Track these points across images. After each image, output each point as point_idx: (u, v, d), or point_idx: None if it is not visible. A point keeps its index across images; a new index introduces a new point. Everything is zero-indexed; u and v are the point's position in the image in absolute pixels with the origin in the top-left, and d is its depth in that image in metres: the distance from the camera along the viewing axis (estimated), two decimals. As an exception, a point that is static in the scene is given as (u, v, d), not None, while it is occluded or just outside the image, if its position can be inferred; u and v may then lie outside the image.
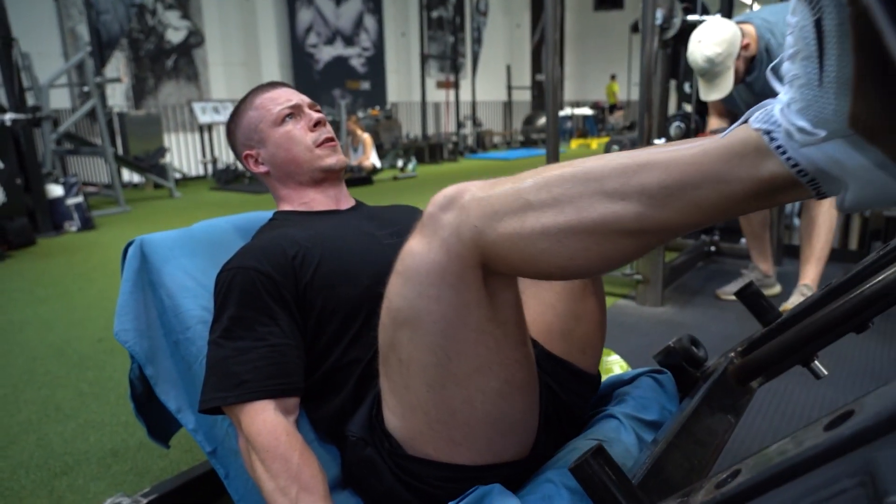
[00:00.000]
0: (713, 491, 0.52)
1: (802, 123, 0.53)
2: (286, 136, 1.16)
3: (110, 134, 6.56)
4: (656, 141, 3.04)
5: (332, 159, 1.18)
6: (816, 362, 1.06)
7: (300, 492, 0.87)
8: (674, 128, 3.73)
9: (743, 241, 3.45)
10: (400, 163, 9.01)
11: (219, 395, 0.94)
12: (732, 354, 1.14)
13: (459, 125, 11.89)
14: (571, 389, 1.01)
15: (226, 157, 9.04)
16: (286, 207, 1.20)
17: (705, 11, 3.22)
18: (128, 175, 7.52)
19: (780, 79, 0.57)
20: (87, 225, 5.04)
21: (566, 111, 12.97)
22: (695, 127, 3.64)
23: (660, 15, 3.02)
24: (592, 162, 0.64)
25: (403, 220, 1.20)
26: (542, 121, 13.40)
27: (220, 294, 1.01)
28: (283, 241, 1.05)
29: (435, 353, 0.74)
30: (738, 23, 2.18)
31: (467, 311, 0.71)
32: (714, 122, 2.50)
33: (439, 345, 0.73)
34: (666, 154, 0.61)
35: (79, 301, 3.07)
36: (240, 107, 1.24)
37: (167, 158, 7.52)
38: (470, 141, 12.11)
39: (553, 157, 2.96)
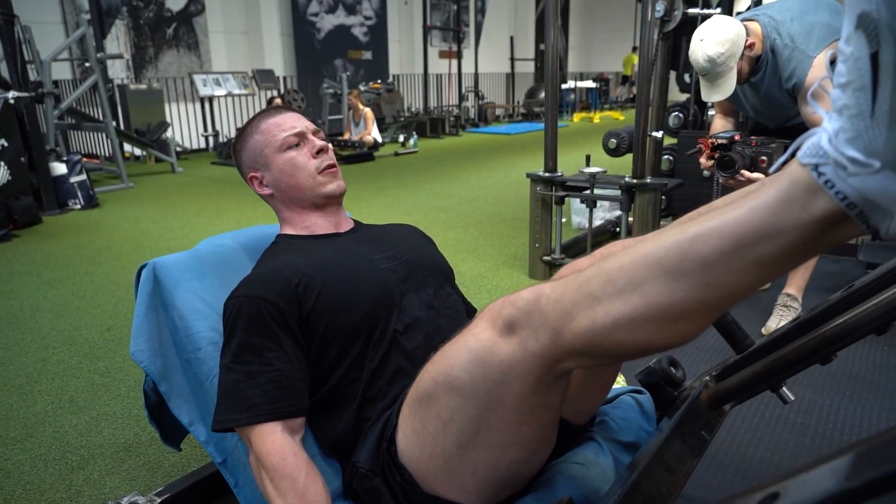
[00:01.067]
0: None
1: (855, 154, 0.52)
2: (290, 162, 1.22)
3: (111, 107, 6.56)
4: (654, 133, 3.08)
5: (333, 185, 1.25)
6: (784, 388, 1.14)
7: None
8: (672, 118, 3.76)
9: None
10: (401, 138, 9.00)
11: (231, 417, 1.03)
12: (707, 378, 1.22)
13: (461, 98, 11.81)
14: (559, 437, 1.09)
15: (226, 130, 9.03)
16: (289, 231, 1.27)
17: (707, 5, 3.22)
18: (129, 146, 7.53)
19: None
20: (90, 203, 5.10)
21: (569, 84, 12.85)
22: (693, 118, 3.67)
23: (661, 7, 3.03)
24: (648, 245, 0.66)
25: (399, 243, 1.27)
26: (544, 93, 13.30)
27: (229, 321, 1.08)
28: (286, 269, 1.11)
29: (479, 423, 0.81)
30: (744, 20, 2.13)
31: (524, 398, 0.77)
32: (718, 122, 2.49)
33: (485, 419, 0.80)
34: (715, 220, 0.61)
35: (87, 286, 3.15)
36: (246, 129, 1.29)
37: (168, 133, 7.52)
38: (472, 114, 12.05)
39: (552, 133, 2.96)
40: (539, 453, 0.90)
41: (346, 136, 8.39)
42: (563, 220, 3.06)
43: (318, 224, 1.27)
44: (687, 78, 3.65)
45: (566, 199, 2.99)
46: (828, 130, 0.55)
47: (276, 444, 1.00)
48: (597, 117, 12.80)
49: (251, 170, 1.28)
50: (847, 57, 0.52)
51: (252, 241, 1.39)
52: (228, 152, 7.89)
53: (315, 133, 1.28)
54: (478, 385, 0.78)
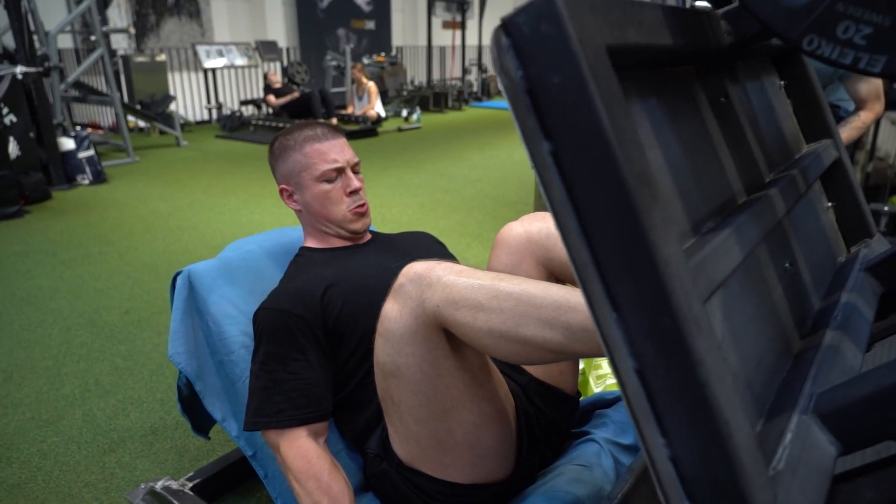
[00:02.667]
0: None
1: None
2: (324, 195, 1.29)
3: (115, 79, 6.56)
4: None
5: (360, 224, 1.33)
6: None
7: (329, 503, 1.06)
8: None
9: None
10: (404, 112, 9.00)
11: (260, 420, 1.13)
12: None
13: (465, 71, 11.75)
14: (556, 407, 1.22)
15: (230, 102, 9.02)
16: (311, 244, 1.35)
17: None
18: (133, 117, 7.55)
19: None
20: (98, 178, 5.16)
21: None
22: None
23: None
24: (538, 290, 0.83)
25: (415, 251, 1.36)
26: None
27: (258, 331, 1.18)
28: (311, 282, 1.21)
29: (417, 396, 0.95)
30: None
31: (437, 362, 0.92)
32: None
33: (420, 390, 0.94)
34: None
35: (102, 267, 3.24)
36: (289, 140, 1.32)
37: (172, 106, 7.53)
38: (475, 88, 12.00)
39: None
40: (490, 417, 1.01)
41: (350, 111, 8.40)
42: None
43: (340, 242, 1.35)
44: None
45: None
46: None
47: (301, 449, 1.11)
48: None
49: (285, 182, 1.34)
50: None
51: (277, 248, 1.48)
52: (233, 125, 7.91)
53: (354, 167, 1.33)
54: (397, 362, 0.93)
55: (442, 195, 4.71)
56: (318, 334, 1.17)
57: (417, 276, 0.89)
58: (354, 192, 1.30)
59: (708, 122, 0.88)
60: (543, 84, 0.48)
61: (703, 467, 0.50)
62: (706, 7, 0.85)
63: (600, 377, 1.68)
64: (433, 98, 10.34)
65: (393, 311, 0.92)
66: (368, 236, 1.40)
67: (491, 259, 1.24)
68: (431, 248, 1.43)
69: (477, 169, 5.68)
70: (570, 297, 0.80)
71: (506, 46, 0.49)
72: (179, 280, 1.35)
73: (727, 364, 0.53)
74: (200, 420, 1.49)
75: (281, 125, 7.66)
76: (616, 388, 1.42)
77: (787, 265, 0.90)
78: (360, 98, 8.35)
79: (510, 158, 6.17)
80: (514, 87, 0.49)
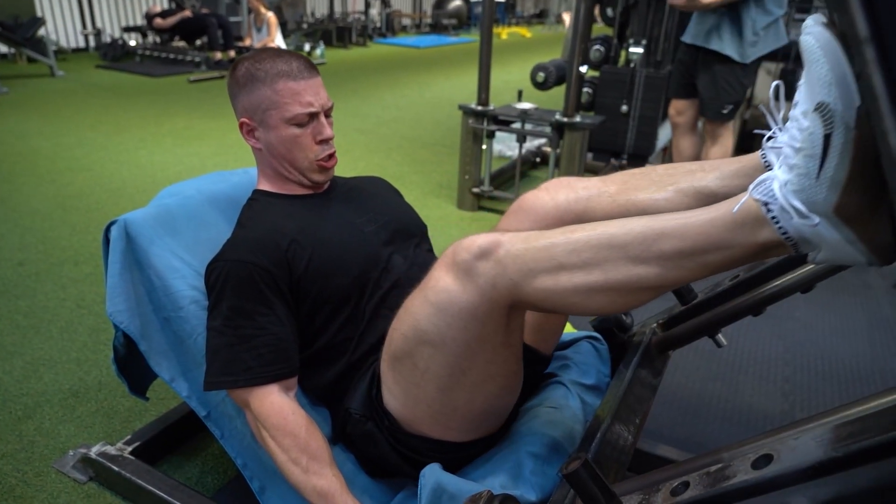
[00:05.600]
0: (669, 498, 0.73)
1: (798, 205, 0.67)
2: (292, 139, 1.16)
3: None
4: (581, 68, 3.16)
5: (324, 176, 1.23)
6: (720, 335, 1.32)
7: (309, 461, 1.03)
8: (593, 51, 3.85)
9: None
10: (307, 47, 8.54)
11: (227, 379, 1.06)
12: (655, 326, 1.37)
13: (367, 5, 11.27)
14: (531, 366, 1.22)
15: (110, 28, 8.15)
16: (267, 188, 1.25)
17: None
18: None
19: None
20: (-39, 111, 4.54)
21: (478, -4, 12.55)
22: (614, 53, 3.78)
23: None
24: (615, 228, 0.77)
25: (377, 204, 1.29)
26: (453, 4, 12.93)
27: (218, 284, 1.08)
28: (275, 234, 1.12)
29: (452, 367, 0.90)
30: None
31: (487, 338, 0.87)
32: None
33: (457, 363, 0.89)
34: (678, 222, 0.74)
35: (-19, 213, 2.88)
36: (258, 70, 1.15)
37: (43, 31, 6.69)
38: (378, 23, 11.56)
39: (485, 66, 2.95)
40: (510, 387, 1.02)
41: (248, 43, 7.84)
42: (483, 147, 3.12)
43: (300, 190, 1.25)
44: (610, 12, 3.72)
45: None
46: (779, 179, 0.70)
47: (276, 405, 1.05)
48: (504, 33, 12.68)
49: (247, 116, 1.18)
50: (803, 129, 0.66)
51: (220, 194, 1.36)
52: (116, 54, 7.18)
53: (328, 114, 1.21)
54: (444, 334, 0.87)
55: (357, 136, 4.56)
56: (284, 288, 1.10)
57: (482, 251, 0.81)
58: (325, 140, 1.19)
59: None
60: None
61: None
62: None
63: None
64: (336, 33, 9.85)
65: (454, 286, 0.83)
66: (328, 184, 1.31)
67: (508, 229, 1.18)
68: (392, 199, 1.37)
69: (390, 109, 5.53)
70: (655, 224, 0.75)
71: None
72: (114, 231, 1.21)
73: None
74: (139, 380, 1.38)
75: (174, 56, 7.04)
76: (573, 330, 1.45)
77: None
78: (259, 30, 7.78)
79: (422, 98, 6.05)
80: None
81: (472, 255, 0.81)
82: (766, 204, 0.69)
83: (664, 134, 3.83)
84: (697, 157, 3.02)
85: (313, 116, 1.16)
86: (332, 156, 1.21)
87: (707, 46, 2.67)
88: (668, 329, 1.34)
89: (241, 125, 1.19)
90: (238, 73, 1.17)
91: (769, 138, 0.83)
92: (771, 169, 0.72)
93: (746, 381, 1.86)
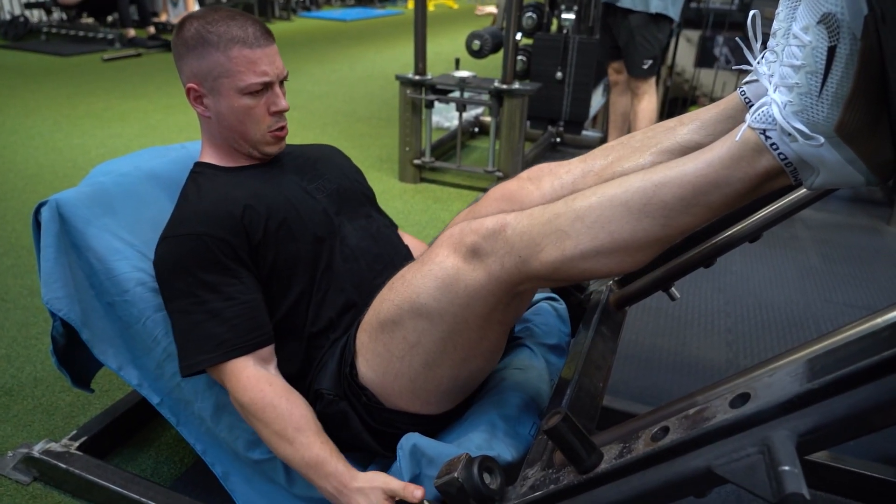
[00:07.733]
0: (651, 443, 0.74)
1: (800, 126, 0.65)
2: (245, 110, 1.09)
3: None
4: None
5: (276, 148, 1.17)
6: (673, 288, 1.36)
7: (295, 431, 0.98)
8: (526, 18, 3.85)
9: (585, 132, 3.80)
10: (228, 21, 8.15)
11: (203, 359, 1.01)
12: (611, 283, 1.40)
13: (290, -24, 10.85)
14: None
15: (9, 5, 7.53)
16: (212, 160, 1.18)
17: None
18: None
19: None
20: None
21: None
22: (546, 20, 3.79)
23: None
24: (614, 188, 0.77)
25: (326, 170, 1.25)
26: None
27: (173, 262, 1.02)
28: (225, 202, 1.06)
29: (444, 343, 0.89)
30: None
31: (486, 316, 0.86)
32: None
33: (451, 339, 0.88)
34: (676, 170, 0.74)
35: None
36: (209, 33, 1.06)
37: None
38: (302, -5, 11.17)
39: (420, 34, 2.89)
40: (494, 361, 1.03)
41: (164, 18, 7.44)
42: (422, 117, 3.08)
43: (248, 162, 1.19)
44: (543, -21, 3.71)
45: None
46: (777, 102, 0.68)
47: (252, 378, 1.00)
48: (432, 5, 12.53)
49: (195, 81, 1.09)
50: (804, 45, 0.64)
51: (158, 170, 1.28)
52: (18, 33, 6.66)
53: (282, 84, 1.14)
54: (445, 309, 0.86)
55: (289, 112, 4.41)
56: (244, 257, 1.05)
57: (490, 232, 0.81)
58: (279, 112, 1.12)
59: None
60: None
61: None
62: None
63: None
64: (258, 6, 9.47)
65: (462, 265, 0.83)
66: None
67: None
68: (342, 165, 1.33)
69: (321, 84, 5.37)
70: (653, 177, 0.75)
71: None
72: (45, 213, 1.12)
73: None
74: (82, 371, 1.30)
75: (83, 34, 6.58)
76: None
77: None
78: (175, 4, 7.41)
79: (353, 72, 5.91)
80: None
81: (480, 237, 0.82)
82: (763, 132, 0.68)
83: (596, 101, 3.89)
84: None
85: (268, 86, 1.10)
86: (283, 128, 1.16)
87: (617, 4, 2.83)
88: (624, 286, 1.37)
89: (189, 90, 1.10)
90: (186, 33, 1.07)
91: (748, 74, 0.83)
92: (752, 105, 0.72)
93: (693, 334, 1.93)
